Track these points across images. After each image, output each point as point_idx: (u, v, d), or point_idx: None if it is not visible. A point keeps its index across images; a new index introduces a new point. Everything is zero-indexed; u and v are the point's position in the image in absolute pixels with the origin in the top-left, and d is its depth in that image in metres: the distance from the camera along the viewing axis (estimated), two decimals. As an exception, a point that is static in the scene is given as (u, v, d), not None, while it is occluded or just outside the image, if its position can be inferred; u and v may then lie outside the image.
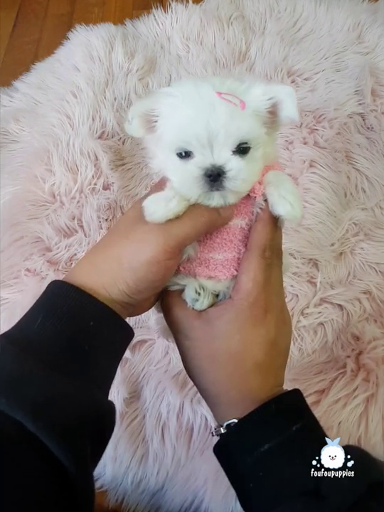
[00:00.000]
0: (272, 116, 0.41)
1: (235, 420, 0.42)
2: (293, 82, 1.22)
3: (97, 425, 0.37)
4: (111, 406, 0.41)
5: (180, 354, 0.47)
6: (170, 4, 1.40)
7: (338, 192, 1.02)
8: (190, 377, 0.47)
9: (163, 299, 0.47)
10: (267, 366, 0.44)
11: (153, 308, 0.50)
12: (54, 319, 0.38)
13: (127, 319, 0.44)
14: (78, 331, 0.39)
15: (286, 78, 1.22)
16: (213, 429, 0.45)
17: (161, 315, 0.50)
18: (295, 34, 1.35)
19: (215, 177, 0.38)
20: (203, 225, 0.41)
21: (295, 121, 0.41)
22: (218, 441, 0.44)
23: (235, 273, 0.44)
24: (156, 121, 0.41)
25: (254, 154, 0.40)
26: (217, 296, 0.46)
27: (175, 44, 1.35)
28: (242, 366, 0.43)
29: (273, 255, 0.44)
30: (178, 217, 0.39)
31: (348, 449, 0.40)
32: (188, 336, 0.45)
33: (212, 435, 0.45)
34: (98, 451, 0.40)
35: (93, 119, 1.15)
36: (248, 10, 1.41)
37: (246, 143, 0.39)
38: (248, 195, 0.43)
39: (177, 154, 0.40)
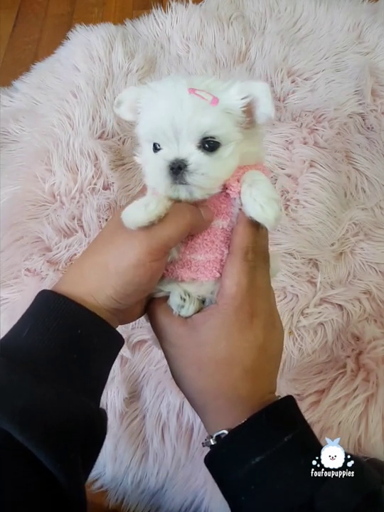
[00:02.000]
0: (249, 115, 0.41)
1: (225, 431, 0.41)
2: (293, 82, 1.22)
3: (87, 433, 0.37)
4: (102, 413, 0.40)
5: (167, 362, 0.46)
6: (170, 4, 1.40)
7: (338, 192, 1.02)
8: (178, 385, 0.46)
9: (148, 306, 0.47)
10: (256, 373, 0.42)
11: (144, 316, 0.49)
12: (42, 329, 0.38)
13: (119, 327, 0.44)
14: (66, 340, 0.38)
15: (286, 78, 1.22)
16: (204, 441, 0.44)
17: (150, 326, 0.49)
18: (295, 34, 1.35)
19: (176, 170, 0.39)
20: (186, 226, 0.41)
21: (271, 118, 0.41)
22: (209, 453, 0.43)
23: (218, 275, 0.43)
24: (139, 113, 0.43)
25: (223, 152, 0.40)
26: (203, 302, 0.45)
27: (175, 44, 1.35)
28: (229, 373, 0.42)
29: (257, 258, 0.43)
30: (160, 220, 0.39)
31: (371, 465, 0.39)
32: (174, 344, 0.44)
33: (203, 445, 0.44)
34: (90, 458, 0.39)
35: (93, 119, 1.15)
36: (248, 10, 1.41)
37: (213, 138, 0.39)
38: (228, 194, 0.42)
39: (152, 147, 0.41)
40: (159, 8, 1.42)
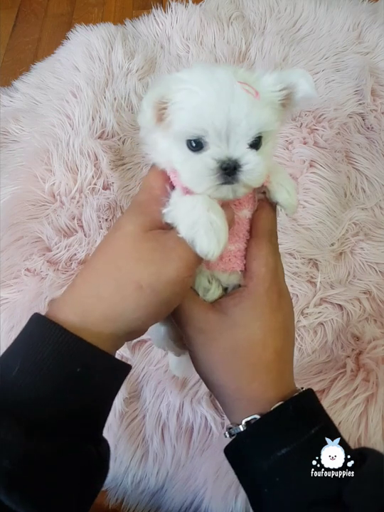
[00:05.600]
0: (284, 108, 0.40)
1: (257, 416, 0.40)
2: (293, 82, 1.22)
3: (85, 481, 0.35)
4: (102, 453, 0.38)
5: (193, 352, 0.43)
6: (170, 4, 1.40)
7: (338, 192, 1.02)
8: (204, 376, 0.44)
9: None
10: (285, 355, 0.42)
11: None
12: (33, 368, 0.34)
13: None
14: (62, 381, 0.34)
15: (286, 78, 1.22)
16: (226, 430, 0.42)
17: (154, 326, 0.47)
18: (295, 34, 1.35)
19: (230, 171, 0.37)
20: None
21: (313, 98, 0.40)
22: (231, 443, 0.42)
23: (245, 262, 0.43)
24: (165, 108, 0.38)
25: (266, 148, 0.39)
26: (225, 290, 0.45)
27: (175, 44, 1.35)
28: (263, 355, 0.41)
29: (277, 242, 0.43)
30: None
31: (365, 452, 0.39)
32: (203, 329, 0.42)
33: (226, 436, 0.43)
34: (87, 501, 0.37)
35: (93, 119, 1.15)
36: (248, 10, 1.41)
37: (260, 135, 0.38)
38: None
39: (188, 145, 0.37)
40: (159, 8, 1.42)
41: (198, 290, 0.43)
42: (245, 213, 0.43)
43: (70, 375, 0.35)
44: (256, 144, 0.37)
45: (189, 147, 0.37)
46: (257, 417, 0.40)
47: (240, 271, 0.43)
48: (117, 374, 0.40)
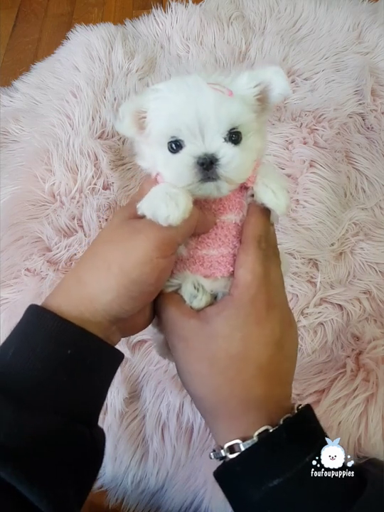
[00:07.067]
0: (262, 103, 0.41)
1: (238, 441, 0.38)
2: (293, 82, 1.22)
3: (78, 460, 0.35)
4: (95, 436, 0.38)
5: (175, 360, 0.43)
6: (170, 4, 1.40)
7: (338, 192, 1.01)
8: (185, 385, 0.42)
9: (157, 299, 0.43)
10: (272, 372, 0.39)
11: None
12: (26, 350, 0.36)
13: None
14: (54, 362, 0.36)
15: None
16: (212, 452, 0.40)
17: (156, 330, 0.47)
18: (295, 34, 1.35)
19: (207, 165, 0.37)
20: (194, 221, 0.39)
21: (288, 95, 0.41)
22: (220, 468, 0.40)
23: (232, 269, 0.42)
24: (144, 118, 0.41)
25: (247, 143, 0.39)
26: (215, 298, 0.43)
27: (175, 44, 1.35)
28: (243, 370, 0.39)
29: (269, 247, 0.41)
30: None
31: (366, 468, 0.37)
32: (183, 337, 0.41)
33: (211, 458, 0.40)
34: (84, 485, 0.38)
35: (93, 119, 1.15)
36: (248, 10, 1.41)
37: (237, 129, 0.38)
38: (240, 188, 0.42)
39: (168, 147, 0.39)
40: (159, 8, 1.42)
41: (184, 296, 0.42)
42: (231, 218, 0.42)
43: (61, 357, 0.36)
44: (236, 140, 0.39)
45: (170, 150, 0.39)
46: (239, 442, 0.38)
47: (228, 278, 0.42)
48: (108, 356, 0.40)
